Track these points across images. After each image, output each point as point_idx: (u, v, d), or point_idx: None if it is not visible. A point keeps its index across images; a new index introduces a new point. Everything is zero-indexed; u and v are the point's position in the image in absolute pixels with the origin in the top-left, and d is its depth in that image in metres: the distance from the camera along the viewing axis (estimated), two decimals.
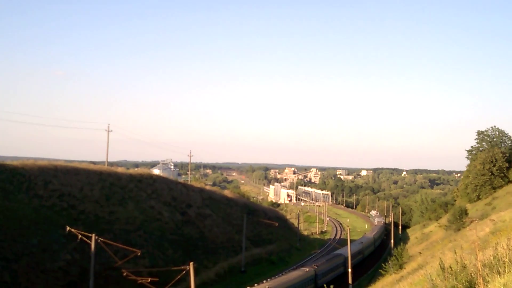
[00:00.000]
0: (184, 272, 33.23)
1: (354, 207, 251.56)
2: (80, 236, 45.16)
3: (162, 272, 51.72)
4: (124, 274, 38.42)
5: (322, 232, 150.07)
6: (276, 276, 59.35)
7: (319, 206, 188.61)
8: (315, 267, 61.14)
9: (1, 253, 48.40)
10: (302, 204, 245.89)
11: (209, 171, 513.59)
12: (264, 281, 53.94)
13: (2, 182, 58.70)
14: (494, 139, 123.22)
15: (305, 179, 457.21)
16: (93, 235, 45.51)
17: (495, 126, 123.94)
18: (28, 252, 51.16)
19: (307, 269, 62.20)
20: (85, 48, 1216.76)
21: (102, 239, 45.10)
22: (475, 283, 12.26)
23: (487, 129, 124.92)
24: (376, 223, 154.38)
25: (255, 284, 52.32)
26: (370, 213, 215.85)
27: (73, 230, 45.99)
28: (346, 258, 69.13)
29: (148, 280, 36.73)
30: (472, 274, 13.30)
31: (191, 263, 32.80)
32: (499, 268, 12.80)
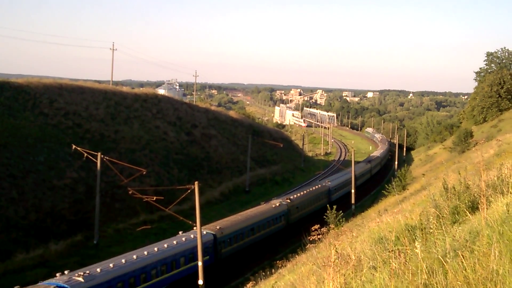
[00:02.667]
0: (189, 191, 33.45)
1: (359, 129, 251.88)
2: (86, 154, 45.51)
3: (167, 191, 52.43)
4: (130, 192, 38.77)
5: (326, 154, 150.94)
6: (296, 189, 63.89)
7: (324, 128, 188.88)
8: (329, 183, 65.67)
9: (8, 170, 48.92)
10: (304, 125, 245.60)
11: (214, 91, 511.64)
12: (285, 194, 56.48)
13: (8, 100, 58.59)
14: (504, 61, 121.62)
15: (310, 101, 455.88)
16: (99, 153, 45.85)
17: (505, 48, 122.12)
18: (35, 169, 51.69)
19: (322, 185, 70.41)
20: None
21: (107, 158, 45.44)
22: (478, 203, 12.19)
23: (496, 51, 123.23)
24: (374, 139, 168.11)
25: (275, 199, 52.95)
26: (366, 130, 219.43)
27: (79, 148, 46.29)
28: (356, 175, 72.77)
29: (153, 198, 37.09)
30: (475, 195, 13.24)
31: (196, 182, 32.98)
32: (503, 188, 12.73)
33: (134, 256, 34.20)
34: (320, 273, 12.65)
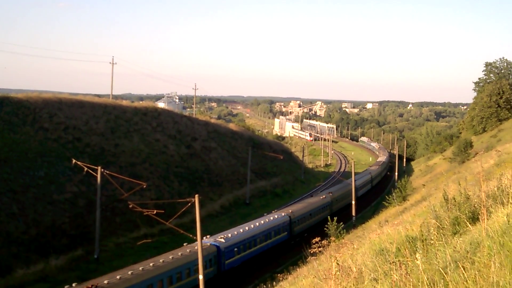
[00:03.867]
0: (189, 204, 33.38)
1: (359, 140, 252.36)
2: (86, 168, 45.46)
3: (167, 204, 52.42)
4: (130, 206, 38.69)
5: (326, 165, 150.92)
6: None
7: (325, 140, 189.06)
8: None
9: (9, 185, 48.89)
10: (310, 139, 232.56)
11: (214, 104, 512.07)
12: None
13: (7, 115, 58.63)
14: (502, 71, 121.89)
15: (310, 112, 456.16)
16: (99, 167, 45.85)
17: (503, 58, 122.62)
18: (35, 184, 51.67)
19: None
20: None
21: (108, 172, 45.45)
22: (479, 213, 12.20)
23: (495, 61, 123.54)
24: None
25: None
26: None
27: (79, 162, 46.26)
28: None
29: (154, 212, 36.99)
30: (476, 205, 13.26)
31: (197, 196, 32.93)
32: (503, 199, 12.74)
33: (246, 228, 50.14)
34: (321, 286, 12.64)
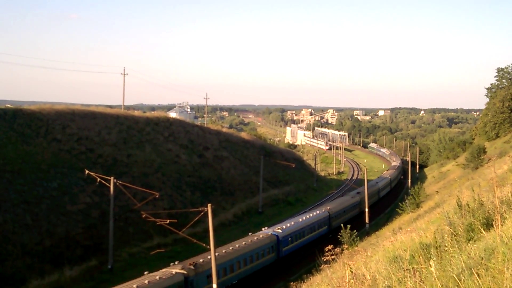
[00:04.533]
0: (202, 213, 33.43)
1: (368, 146, 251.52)
2: (99, 179, 45.65)
3: (180, 214, 52.40)
4: (143, 216, 38.78)
5: (339, 173, 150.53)
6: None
7: (337, 148, 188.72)
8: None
9: (22, 196, 49.19)
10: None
11: (225, 113, 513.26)
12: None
13: (21, 127, 59.09)
14: None
15: (322, 120, 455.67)
16: (112, 178, 46.04)
17: None
18: (48, 195, 51.94)
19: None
20: None
21: (120, 182, 45.59)
22: (493, 219, 12.12)
23: (507, 66, 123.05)
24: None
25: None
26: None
27: (92, 173, 46.48)
28: (380, 187, 76.61)
29: (167, 221, 37.04)
30: (490, 211, 13.19)
31: (209, 205, 32.98)
32: None
33: (293, 222, 56.16)
34: None
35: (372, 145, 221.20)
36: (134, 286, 31.48)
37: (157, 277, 33.39)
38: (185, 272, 35.39)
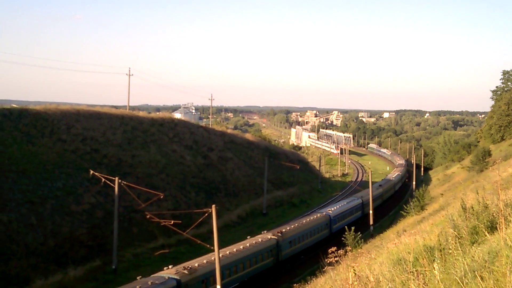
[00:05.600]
0: (206, 214, 33.47)
1: (367, 147, 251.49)
2: (103, 179, 45.74)
3: (184, 215, 52.42)
4: (148, 216, 38.85)
5: (343, 175, 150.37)
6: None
7: (340, 148, 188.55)
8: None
9: (27, 196, 49.28)
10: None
11: (230, 114, 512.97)
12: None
13: (26, 127, 59.19)
14: None
15: (326, 122, 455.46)
16: (116, 178, 46.10)
17: None
18: (53, 195, 52.02)
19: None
20: None
21: (125, 183, 45.69)
22: (497, 222, 12.10)
23: None
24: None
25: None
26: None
27: (96, 173, 46.59)
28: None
29: (171, 222, 37.07)
30: (494, 214, 13.16)
31: (213, 206, 33.02)
32: None
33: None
34: None
35: (372, 145, 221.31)
36: (253, 242, 38.19)
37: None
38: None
